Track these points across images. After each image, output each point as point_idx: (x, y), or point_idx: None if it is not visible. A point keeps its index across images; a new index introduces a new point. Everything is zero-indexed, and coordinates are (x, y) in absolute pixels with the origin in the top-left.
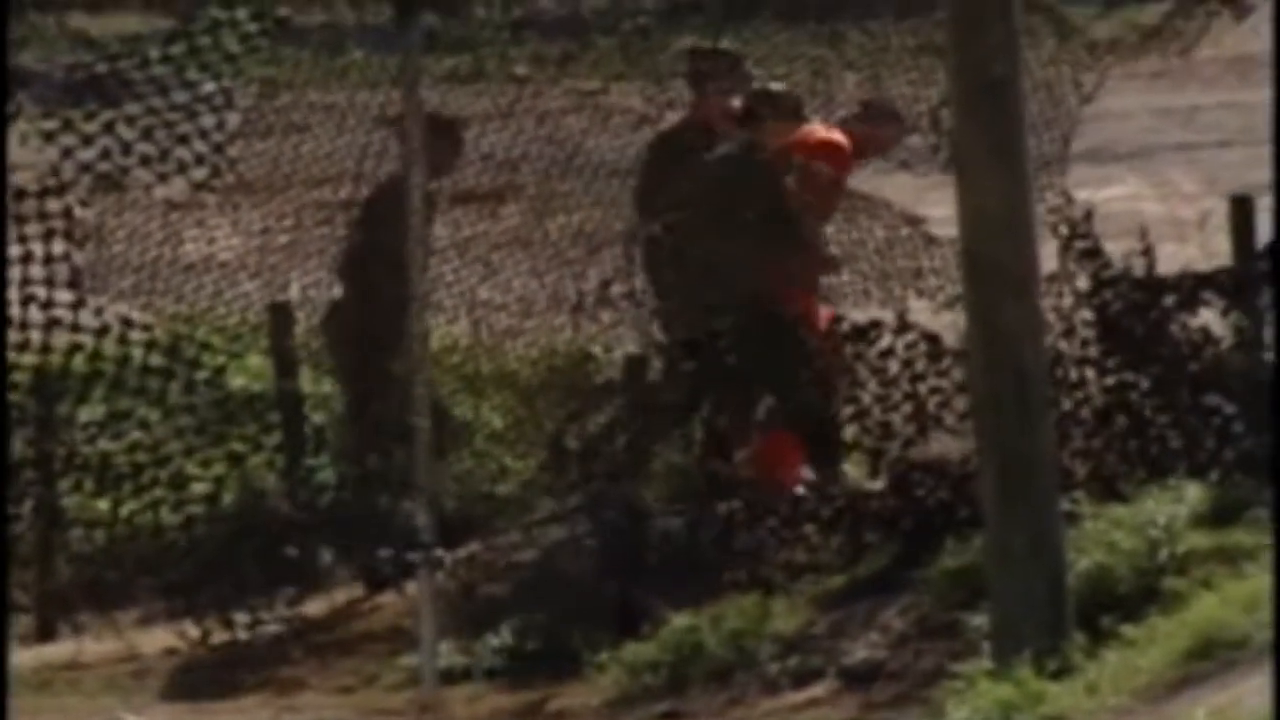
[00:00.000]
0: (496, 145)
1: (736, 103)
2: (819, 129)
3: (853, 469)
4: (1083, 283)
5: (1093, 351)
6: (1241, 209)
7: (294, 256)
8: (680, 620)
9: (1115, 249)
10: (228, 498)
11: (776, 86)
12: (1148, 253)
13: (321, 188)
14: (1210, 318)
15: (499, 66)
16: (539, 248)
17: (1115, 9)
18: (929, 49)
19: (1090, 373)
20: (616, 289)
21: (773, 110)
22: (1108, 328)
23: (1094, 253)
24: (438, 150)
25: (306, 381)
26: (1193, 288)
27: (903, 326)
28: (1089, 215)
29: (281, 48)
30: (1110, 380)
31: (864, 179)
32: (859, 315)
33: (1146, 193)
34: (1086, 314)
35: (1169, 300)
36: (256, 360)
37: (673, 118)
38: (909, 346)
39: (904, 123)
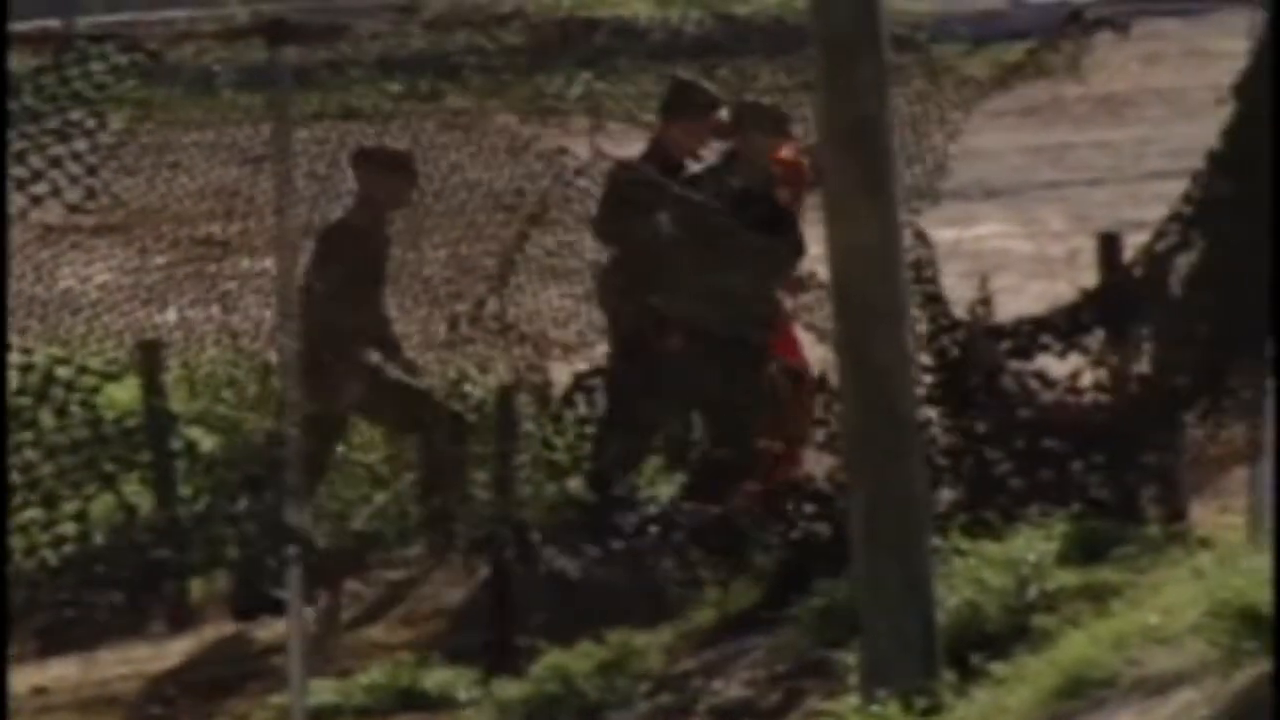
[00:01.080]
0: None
1: (703, 135)
2: (783, 149)
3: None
4: (923, 327)
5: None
6: (1110, 247)
7: (169, 291)
8: (552, 657)
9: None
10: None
11: (763, 100)
12: (986, 302)
13: (195, 224)
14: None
15: (369, 102)
16: (408, 281)
17: (983, 47)
18: (800, 86)
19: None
20: (490, 311)
21: (758, 123)
22: (945, 373)
23: (935, 298)
24: (391, 184)
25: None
26: (1030, 333)
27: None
28: (931, 260)
29: (152, 85)
30: (951, 423)
31: None
32: None
33: (1016, 230)
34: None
35: (1005, 346)
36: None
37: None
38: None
39: None
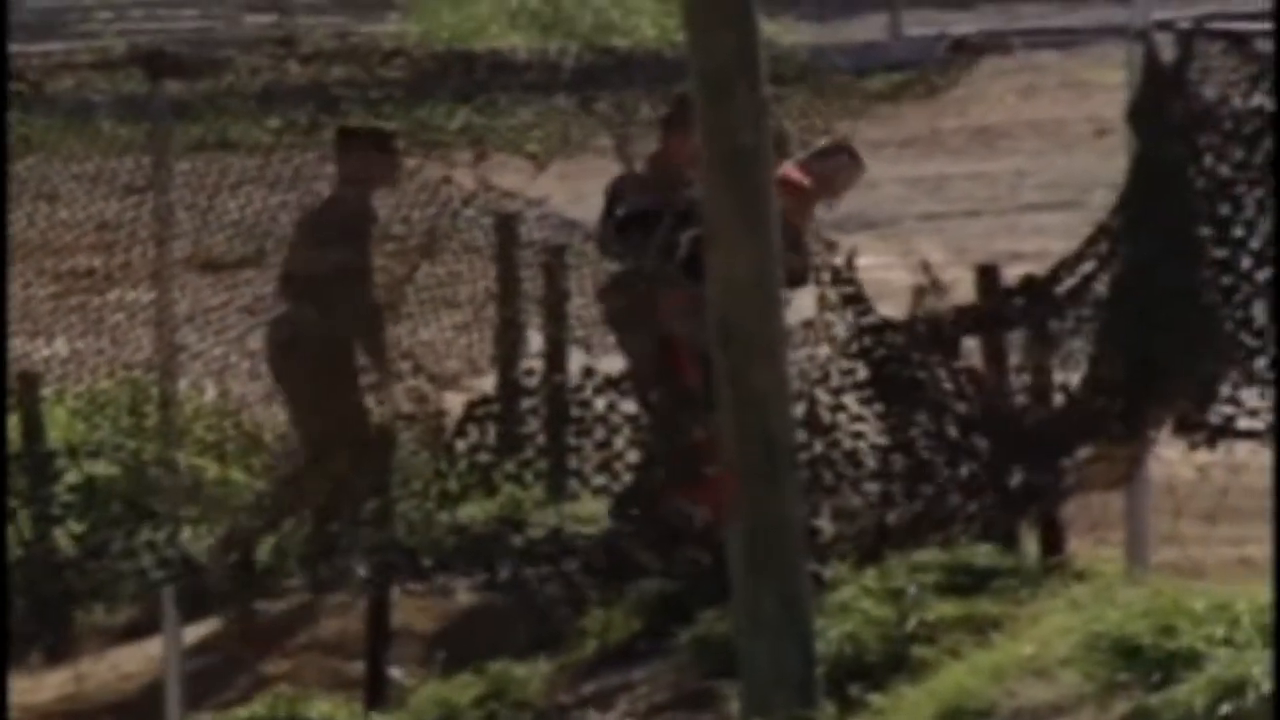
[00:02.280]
0: (247, 212)
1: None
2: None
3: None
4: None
5: (852, 401)
6: (987, 278)
7: (54, 324)
8: (432, 688)
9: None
10: None
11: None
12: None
13: (75, 255)
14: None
15: (247, 133)
16: None
17: (863, 78)
18: None
19: (844, 419)
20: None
21: None
22: (873, 374)
23: (857, 299)
24: (375, 164)
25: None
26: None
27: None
28: (851, 261)
29: (31, 116)
30: (876, 426)
31: None
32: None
33: (895, 262)
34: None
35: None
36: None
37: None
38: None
39: (861, 163)
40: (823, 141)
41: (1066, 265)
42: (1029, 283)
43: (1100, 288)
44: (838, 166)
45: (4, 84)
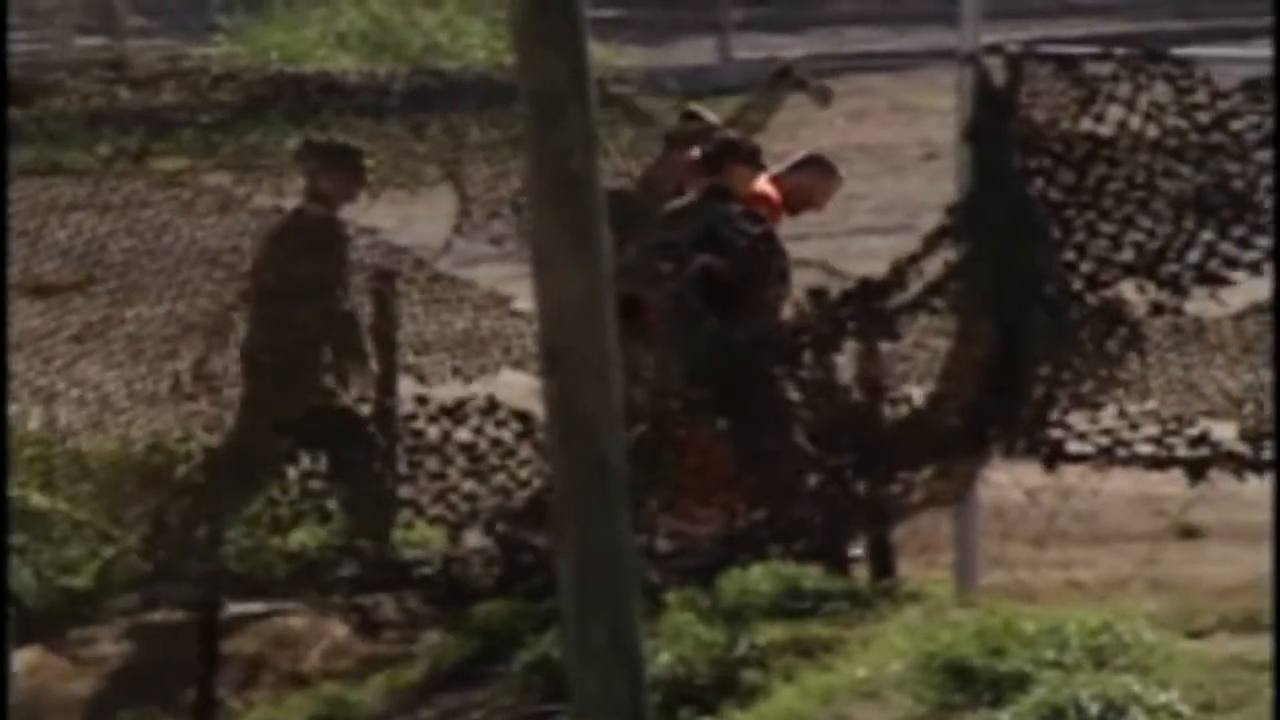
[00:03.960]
0: (75, 238)
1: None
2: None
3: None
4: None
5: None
6: (819, 301)
7: None
8: (262, 711)
9: None
10: None
11: (736, 133)
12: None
13: None
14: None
15: (78, 159)
16: (118, 341)
17: (692, 101)
18: (510, 142)
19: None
20: (213, 368)
21: (736, 157)
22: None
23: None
24: (339, 177)
25: None
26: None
27: (491, 406)
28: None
29: None
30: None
31: (454, 268)
32: (447, 393)
33: None
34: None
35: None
36: None
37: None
38: (499, 424)
39: (837, 176)
40: (798, 154)
41: (900, 268)
42: (864, 285)
43: (939, 303)
44: (814, 178)
45: (4, 84)
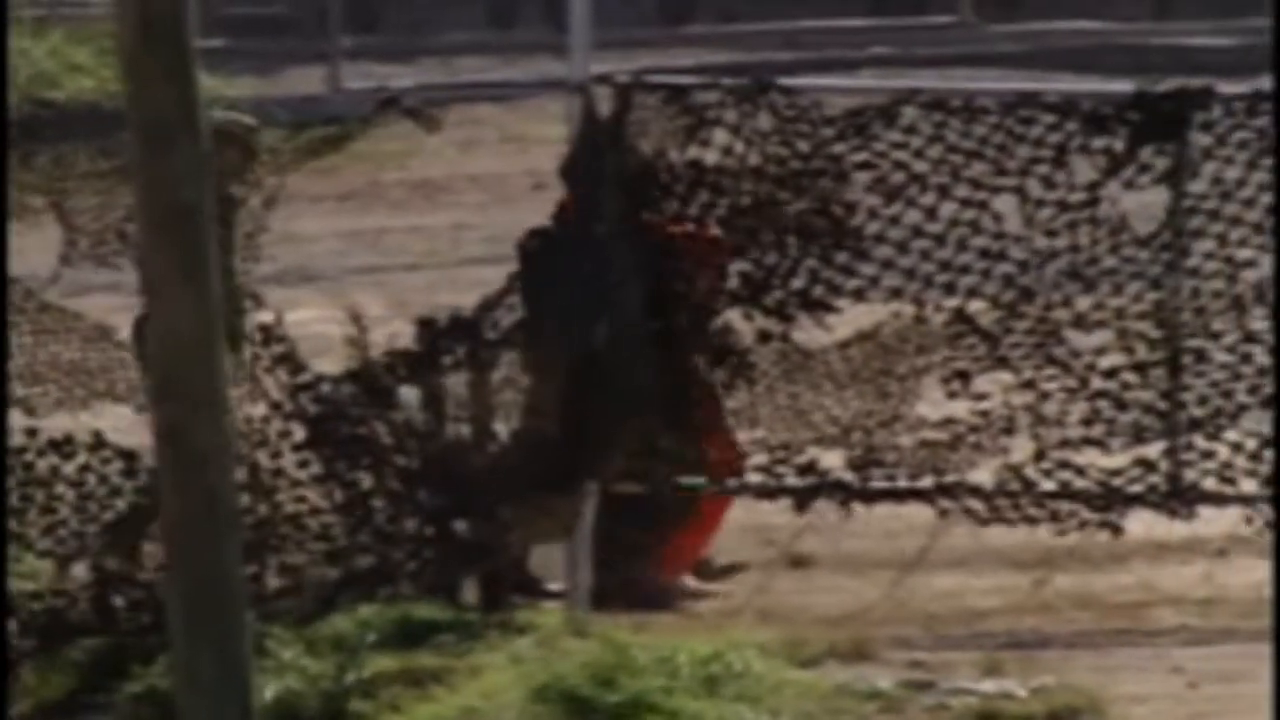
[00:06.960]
0: None
1: None
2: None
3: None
4: (277, 393)
5: (288, 462)
6: (428, 331)
7: None
8: None
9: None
10: None
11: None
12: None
13: None
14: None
15: None
16: None
17: (303, 130)
18: (118, 171)
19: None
20: None
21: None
22: (312, 432)
23: (288, 357)
24: (227, 158)
25: None
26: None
27: (98, 443)
28: (280, 320)
29: None
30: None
31: (66, 296)
32: (54, 426)
33: (335, 315)
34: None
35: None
36: None
37: None
38: (104, 462)
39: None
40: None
41: (490, 305)
42: (457, 322)
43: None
44: None
45: (4, 85)
